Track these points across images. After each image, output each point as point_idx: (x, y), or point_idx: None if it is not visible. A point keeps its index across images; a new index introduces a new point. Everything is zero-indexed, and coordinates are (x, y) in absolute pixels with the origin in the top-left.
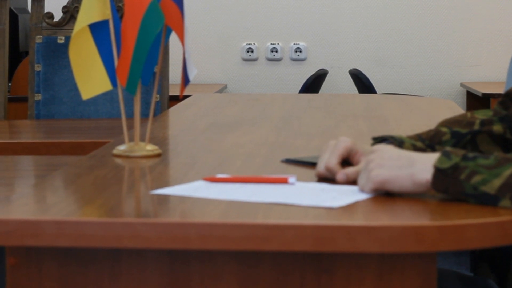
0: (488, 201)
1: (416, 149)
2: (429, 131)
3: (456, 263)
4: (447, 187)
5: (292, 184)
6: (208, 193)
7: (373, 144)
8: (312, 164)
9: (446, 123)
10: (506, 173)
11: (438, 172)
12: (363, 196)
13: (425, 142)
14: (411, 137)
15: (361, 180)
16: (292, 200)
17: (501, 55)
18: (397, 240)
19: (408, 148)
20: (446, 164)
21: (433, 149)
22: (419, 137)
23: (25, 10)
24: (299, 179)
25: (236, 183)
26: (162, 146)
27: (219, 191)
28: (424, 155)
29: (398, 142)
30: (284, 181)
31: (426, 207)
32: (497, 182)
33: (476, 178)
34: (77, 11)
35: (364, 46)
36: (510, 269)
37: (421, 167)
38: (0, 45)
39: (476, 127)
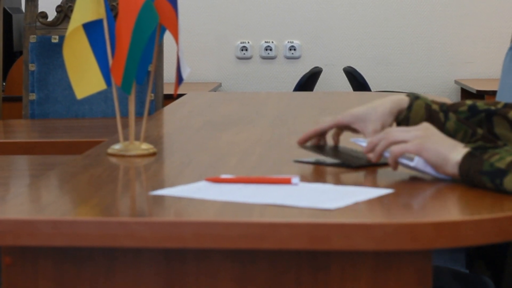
0: (497, 175)
1: (428, 109)
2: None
3: (451, 260)
4: (470, 166)
5: (295, 184)
6: (208, 194)
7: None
8: (323, 164)
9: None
10: None
11: (468, 154)
12: (362, 197)
13: (443, 107)
14: (431, 100)
15: (403, 136)
16: (290, 201)
17: (495, 52)
18: (393, 237)
19: (419, 105)
20: (477, 145)
21: (446, 114)
22: (437, 102)
23: (19, 9)
24: (303, 179)
25: (238, 184)
26: (157, 145)
27: (220, 192)
28: (463, 145)
29: (414, 96)
30: (287, 182)
31: (421, 204)
32: (509, 159)
33: (495, 157)
34: (71, 11)
35: (359, 44)
36: (506, 266)
37: (458, 150)
38: None
39: (500, 105)
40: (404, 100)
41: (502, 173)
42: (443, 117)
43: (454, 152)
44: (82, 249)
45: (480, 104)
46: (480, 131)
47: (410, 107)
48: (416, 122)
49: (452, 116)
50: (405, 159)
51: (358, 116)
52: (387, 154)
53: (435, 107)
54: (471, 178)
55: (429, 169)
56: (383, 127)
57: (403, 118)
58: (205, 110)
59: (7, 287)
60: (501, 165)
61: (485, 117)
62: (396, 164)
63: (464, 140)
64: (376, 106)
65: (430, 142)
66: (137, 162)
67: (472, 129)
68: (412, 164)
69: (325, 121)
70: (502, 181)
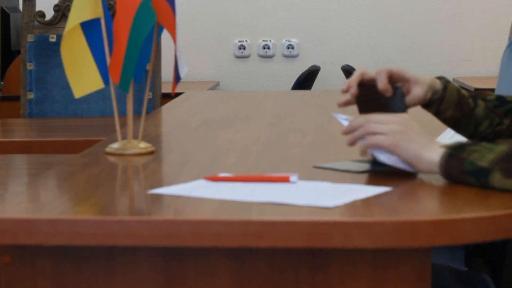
0: (482, 174)
1: (459, 92)
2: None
3: (450, 258)
4: (449, 166)
5: (294, 183)
6: (206, 192)
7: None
8: (345, 171)
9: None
10: (499, 149)
11: (446, 154)
12: (361, 195)
13: (471, 93)
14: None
15: (380, 128)
16: (289, 199)
17: (493, 50)
18: (392, 235)
19: (452, 88)
20: (452, 144)
21: (475, 101)
22: (464, 88)
23: (16, 9)
24: (301, 177)
25: (237, 182)
26: (155, 144)
27: (218, 191)
28: (442, 143)
29: (445, 79)
30: (285, 180)
31: (420, 202)
32: (490, 156)
33: (474, 155)
34: (69, 10)
35: (356, 42)
36: (504, 263)
37: (433, 149)
38: None
39: None
40: (437, 82)
41: (486, 171)
42: (472, 102)
43: (428, 150)
44: (80, 248)
45: (507, 95)
46: (507, 121)
47: (445, 88)
48: (449, 104)
49: (481, 103)
50: (378, 151)
51: (411, 74)
52: (364, 141)
53: (464, 92)
54: (453, 178)
55: (400, 164)
56: (424, 96)
57: (438, 98)
58: (203, 109)
59: (6, 286)
60: (483, 163)
61: None
62: (365, 152)
63: (489, 128)
64: (423, 76)
65: (405, 140)
66: (135, 161)
67: (499, 118)
68: (382, 158)
69: (380, 69)
70: (488, 179)
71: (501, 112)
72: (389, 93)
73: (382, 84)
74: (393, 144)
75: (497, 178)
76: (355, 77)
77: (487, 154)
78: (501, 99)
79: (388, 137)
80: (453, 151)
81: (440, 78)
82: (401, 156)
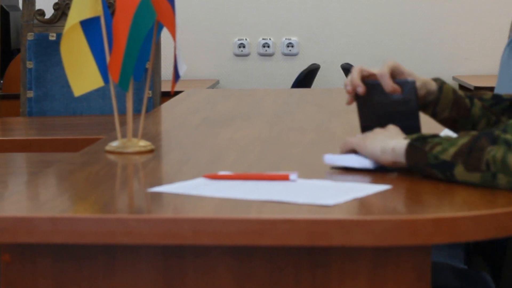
0: (446, 168)
1: (455, 93)
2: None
3: (450, 256)
4: (415, 159)
5: (294, 181)
6: (206, 190)
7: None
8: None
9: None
10: (461, 142)
11: (409, 145)
12: (361, 194)
13: (467, 93)
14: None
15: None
16: (289, 197)
17: (493, 48)
18: (392, 233)
19: (448, 89)
20: (415, 136)
21: (471, 101)
22: (463, 90)
23: (16, 7)
24: (301, 175)
25: (237, 180)
26: (155, 142)
27: (218, 189)
28: (403, 136)
29: (441, 80)
30: (285, 178)
31: (420, 200)
32: (452, 150)
33: (437, 148)
34: (69, 8)
35: (356, 40)
36: (504, 262)
37: (395, 140)
38: None
39: None
40: (432, 83)
41: (449, 165)
42: (468, 102)
43: (390, 141)
44: (80, 246)
45: (504, 94)
46: (504, 119)
47: (440, 89)
48: (445, 105)
49: (477, 102)
50: (344, 159)
51: (407, 69)
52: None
53: (460, 92)
54: (420, 170)
55: (366, 163)
56: (418, 92)
57: (434, 99)
58: (203, 107)
59: (6, 285)
60: (446, 157)
61: (509, 105)
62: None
63: (486, 127)
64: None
65: (370, 138)
66: (135, 159)
67: (496, 117)
68: (344, 162)
69: (383, 70)
70: (453, 173)
71: (498, 110)
72: (398, 92)
73: (389, 86)
74: (358, 143)
75: (460, 172)
76: (356, 75)
77: (449, 147)
78: (497, 98)
79: (357, 138)
80: (414, 142)
81: (435, 79)
82: (367, 153)
